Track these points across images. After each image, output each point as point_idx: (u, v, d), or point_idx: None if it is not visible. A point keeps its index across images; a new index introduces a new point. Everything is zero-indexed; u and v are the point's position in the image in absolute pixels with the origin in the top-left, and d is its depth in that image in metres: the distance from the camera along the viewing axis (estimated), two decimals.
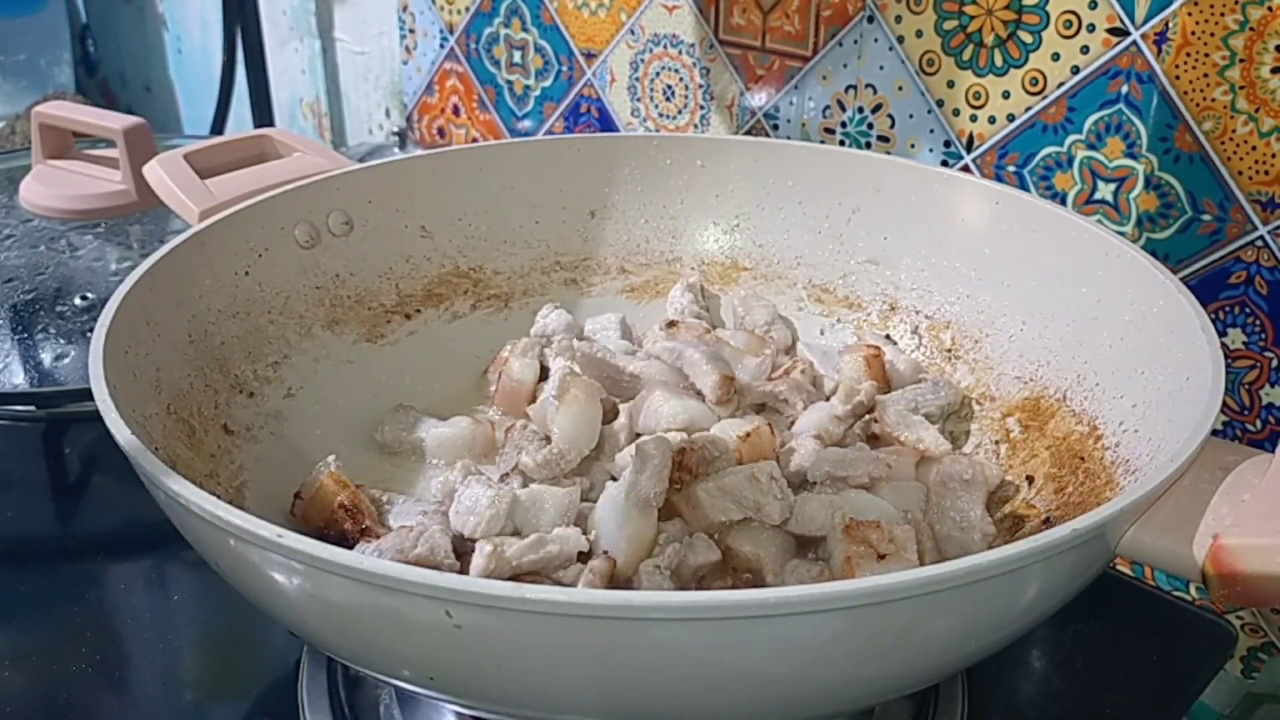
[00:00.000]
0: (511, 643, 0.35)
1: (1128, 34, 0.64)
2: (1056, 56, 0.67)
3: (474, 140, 1.07)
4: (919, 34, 0.73)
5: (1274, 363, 0.64)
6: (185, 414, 0.53)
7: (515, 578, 0.46)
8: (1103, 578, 0.42)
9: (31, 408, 0.76)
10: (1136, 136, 0.65)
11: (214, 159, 0.68)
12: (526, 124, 1.02)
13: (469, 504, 0.49)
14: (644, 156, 0.73)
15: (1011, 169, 0.71)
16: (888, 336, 0.67)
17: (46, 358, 0.81)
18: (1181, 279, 0.54)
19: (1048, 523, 0.52)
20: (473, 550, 0.48)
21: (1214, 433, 0.42)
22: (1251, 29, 0.59)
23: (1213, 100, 0.62)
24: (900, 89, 0.75)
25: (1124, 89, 0.65)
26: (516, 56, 0.99)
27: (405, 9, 1.08)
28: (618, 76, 0.92)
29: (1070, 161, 0.68)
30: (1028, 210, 0.62)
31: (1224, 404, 0.50)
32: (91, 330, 0.49)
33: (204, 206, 0.64)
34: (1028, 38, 0.68)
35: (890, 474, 0.52)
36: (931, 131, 0.74)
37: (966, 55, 0.71)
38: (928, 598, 0.35)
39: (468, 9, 1.01)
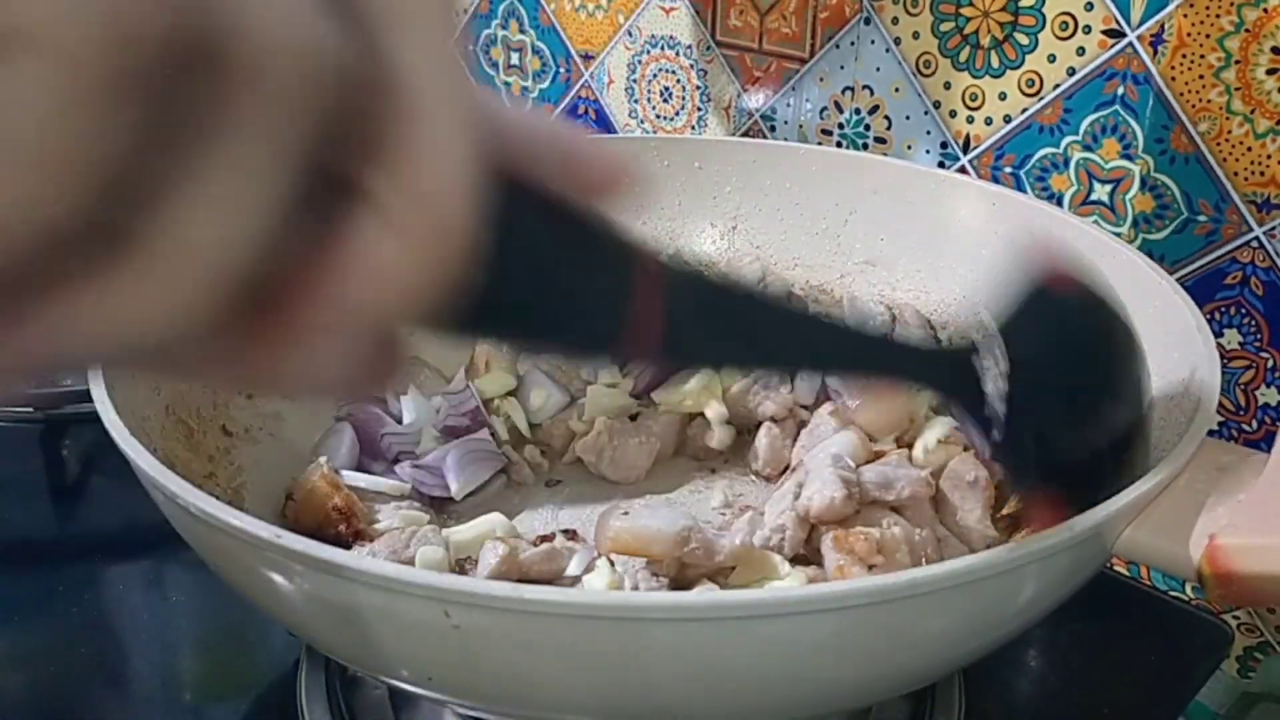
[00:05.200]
0: (510, 643, 0.35)
1: (1124, 35, 0.64)
2: (1053, 58, 0.67)
3: None
4: (915, 36, 0.73)
5: (1270, 363, 0.64)
6: (184, 415, 0.53)
7: (522, 580, 0.46)
8: (1099, 577, 0.42)
9: (30, 409, 0.76)
10: (1132, 138, 0.65)
11: None
12: None
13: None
14: (641, 158, 0.73)
15: (1008, 170, 0.71)
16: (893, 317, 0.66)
17: None
18: (1177, 280, 0.54)
19: None
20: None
21: (1210, 433, 0.42)
22: (1247, 30, 0.59)
23: (1208, 101, 0.62)
24: (897, 90, 0.75)
25: (1120, 90, 0.65)
26: (514, 58, 0.99)
27: None
28: (615, 78, 0.92)
29: (1066, 163, 0.68)
30: (1024, 211, 0.63)
31: (1220, 404, 0.50)
32: None
33: None
34: (1024, 39, 0.68)
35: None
36: (928, 133, 0.74)
37: (963, 57, 0.71)
38: (925, 598, 0.35)
39: (465, 10, 1.01)
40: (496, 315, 0.27)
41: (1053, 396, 0.37)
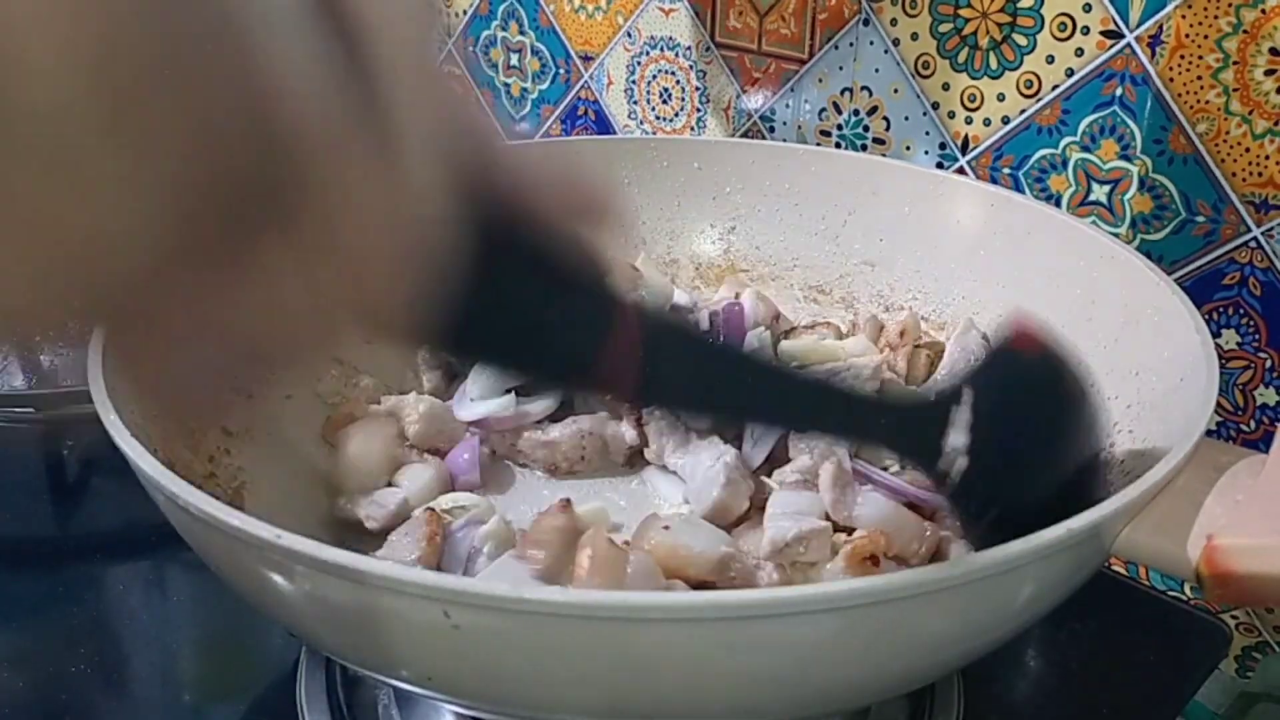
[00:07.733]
0: (510, 643, 0.35)
1: (1122, 36, 0.64)
2: (1051, 59, 0.67)
3: None
4: (914, 37, 0.73)
5: (1268, 363, 0.64)
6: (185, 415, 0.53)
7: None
8: (1098, 577, 0.42)
9: (30, 409, 0.76)
10: (1131, 138, 0.65)
11: None
12: (524, 126, 1.02)
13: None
14: (641, 159, 0.73)
15: (1006, 171, 0.71)
16: (874, 316, 0.66)
17: (45, 359, 0.81)
18: (1176, 280, 0.55)
19: None
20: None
21: (1208, 433, 0.42)
22: (1245, 31, 0.60)
23: (1206, 102, 0.62)
24: (895, 91, 0.75)
25: (1118, 91, 0.65)
26: (514, 59, 0.99)
27: None
28: (615, 79, 0.92)
29: (1065, 163, 0.69)
30: (1022, 212, 0.63)
31: (1218, 404, 0.50)
32: (90, 332, 0.49)
33: None
34: (1022, 40, 0.68)
35: None
36: (926, 134, 0.74)
37: (961, 58, 0.71)
38: (924, 598, 0.35)
39: (465, 12, 1.01)
40: (476, 336, 0.29)
41: (1008, 453, 0.38)
